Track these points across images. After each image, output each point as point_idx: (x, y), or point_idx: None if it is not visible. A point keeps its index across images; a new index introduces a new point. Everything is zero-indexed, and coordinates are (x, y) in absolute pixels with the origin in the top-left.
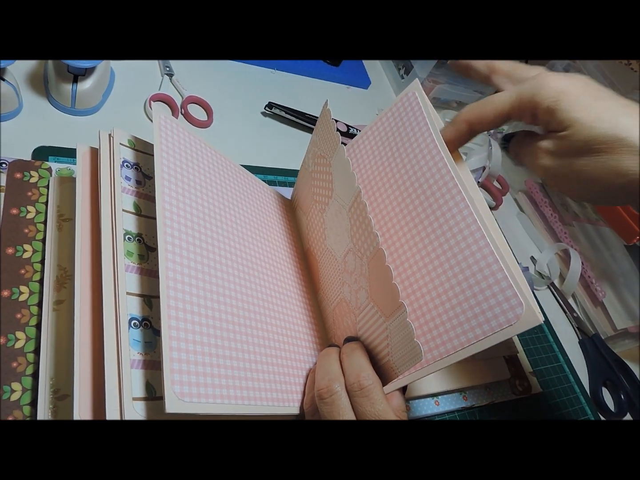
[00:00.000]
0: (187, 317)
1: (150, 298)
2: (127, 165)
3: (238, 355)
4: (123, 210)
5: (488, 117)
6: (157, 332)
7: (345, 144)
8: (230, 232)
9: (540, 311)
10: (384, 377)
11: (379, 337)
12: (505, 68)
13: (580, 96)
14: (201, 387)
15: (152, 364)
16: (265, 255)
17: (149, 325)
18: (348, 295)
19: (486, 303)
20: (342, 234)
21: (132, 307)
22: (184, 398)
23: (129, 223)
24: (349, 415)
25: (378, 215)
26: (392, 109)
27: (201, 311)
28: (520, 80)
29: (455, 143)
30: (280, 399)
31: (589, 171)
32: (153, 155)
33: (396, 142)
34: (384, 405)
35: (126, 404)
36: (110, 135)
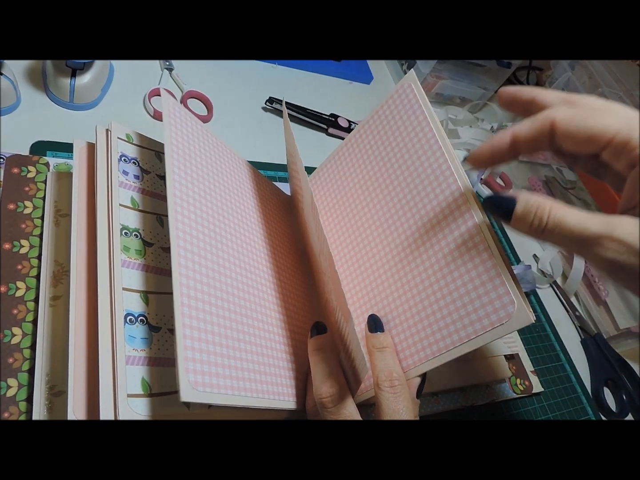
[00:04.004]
0: (198, 305)
1: (147, 294)
2: (124, 159)
3: (246, 347)
4: (120, 204)
5: (580, 136)
6: (153, 328)
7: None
8: (238, 224)
9: (531, 310)
10: (355, 380)
11: (348, 339)
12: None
13: None
14: (213, 377)
15: (148, 361)
16: (270, 250)
17: (145, 322)
18: (328, 296)
19: (479, 301)
20: (314, 234)
21: (128, 302)
22: (198, 387)
23: (126, 218)
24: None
25: (372, 210)
26: (388, 102)
27: (211, 300)
28: None
29: (527, 146)
30: (284, 393)
31: None
32: (151, 149)
33: (395, 136)
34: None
35: (121, 401)
36: (107, 130)
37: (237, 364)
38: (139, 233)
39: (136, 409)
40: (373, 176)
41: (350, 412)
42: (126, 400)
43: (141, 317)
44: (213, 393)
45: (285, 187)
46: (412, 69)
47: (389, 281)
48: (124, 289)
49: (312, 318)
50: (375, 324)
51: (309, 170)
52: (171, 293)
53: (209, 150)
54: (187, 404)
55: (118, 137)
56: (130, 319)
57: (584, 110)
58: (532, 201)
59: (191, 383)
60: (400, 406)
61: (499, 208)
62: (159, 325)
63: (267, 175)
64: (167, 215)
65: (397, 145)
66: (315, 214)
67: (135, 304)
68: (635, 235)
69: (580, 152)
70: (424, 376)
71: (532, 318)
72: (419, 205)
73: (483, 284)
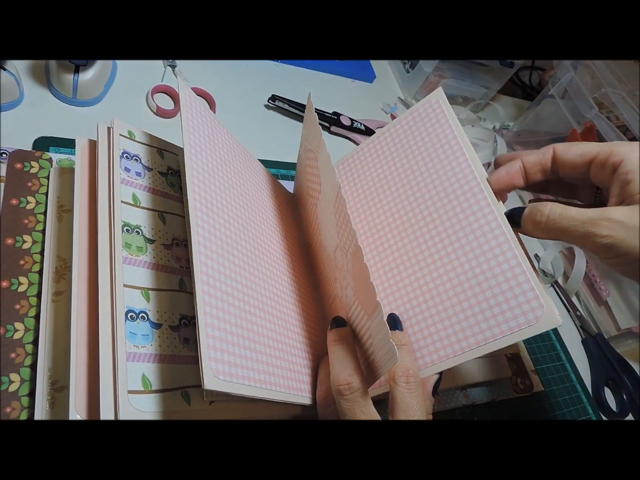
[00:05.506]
0: (217, 294)
1: (148, 290)
2: (126, 156)
3: (265, 341)
4: (122, 201)
5: (574, 154)
6: (154, 325)
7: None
8: (254, 219)
9: (559, 313)
10: (371, 375)
11: (365, 335)
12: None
13: None
14: (232, 367)
15: (149, 357)
16: (282, 247)
17: (146, 318)
18: (340, 292)
19: (506, 304)
20: (331, 229)
21: (130, 299)
22: (219, 376)
23: (127, 215)
24: (371, 412)
25: (394, 209)
26: (413, 114)
27: (228, 290)
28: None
29: (534, 170)
30: (296, 387)
31: None
32: (154, 146)
33: (418, 146)
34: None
35: (121, 397)
36: (109, 127)
37: (257, 357)
38: (141, 230)
39: (136, 406)
40: (397, 177)
41: (366, 401)
42: (127, 397)
43: (142, 314)
44: (233, 383)
45: (286, 185)
46: (439, 87)
47: (410, 278)
48: (125, 285)
49: (319, 315)
50: (394, 322)
51: None
52: (172, 290)
53: (223, 142)
54: (188, 400)
55: (120, 134)
56: (131, 316)
57: (577, 143)
58: (535, 203)
59: (213, 371)
60: (414, 401)
61: (513, 216)
62: (160, 322)
63: None
64: (168, 212)
65: (421, 156)
66: (341, 207)
67: (136, 301)
68: (627, 216)
69: (574, 173)
70: (440, 373)
71: (560, 321)
72: (447, 207)
73: (511, 289)
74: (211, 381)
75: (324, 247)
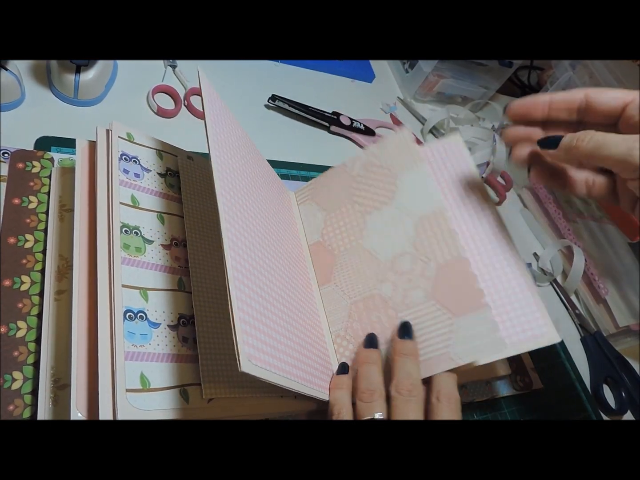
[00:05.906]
0: (245, 281)
1: (146, 290)
2: (125, 158)
3: (287, 333)
4: (120, 202)
5: (609, 97)
6: (152, 324)
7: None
8: (266, 215)
9: (555, 330)
10: (435, 366)
11: (436, 331)
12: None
13: None
14: (263, 354)
15: (147, 356)
16: (288, 245)
17: (145, 318)
18: (389, 292)
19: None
20: (397, 238)
21: (128, 299)
22: (252, 360)
23: (126, 216)
24: (420, 417)
25: None
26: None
27: (253, 278)
28: None
29: (560, 106)
30: (318, 384)
31: None
32: (152, 148)
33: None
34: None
35: (119, 396)
36: (108, 129)
37: (284, 349)
38: (139, 230)
39: (135, 404)
40: None
41: (420, 406)
42: (125, 395)
43: (141, 314)
44: (264, 369)
45: (286, 185)
46: (458, 133)
47: None
48: (123, 285)
49: (315, 309)
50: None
51: (313, 167)
52: (171, 289)
53: (240, 138)
54: (187, 398)
55: (119, 136)
56: (129, 316)
57: (609, 88)
58: (576, 133)
59: (247, 355)
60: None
61: (551, 141)
62: (158, 321)
63: None
64: (167, 213)
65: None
66: (439, 224)
67: (135, 301)
68: None
69: (603, 116)
70: None
71: (559, 338)
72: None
73: (521, 308)
74: (247, 365)
75: (365, 250)
